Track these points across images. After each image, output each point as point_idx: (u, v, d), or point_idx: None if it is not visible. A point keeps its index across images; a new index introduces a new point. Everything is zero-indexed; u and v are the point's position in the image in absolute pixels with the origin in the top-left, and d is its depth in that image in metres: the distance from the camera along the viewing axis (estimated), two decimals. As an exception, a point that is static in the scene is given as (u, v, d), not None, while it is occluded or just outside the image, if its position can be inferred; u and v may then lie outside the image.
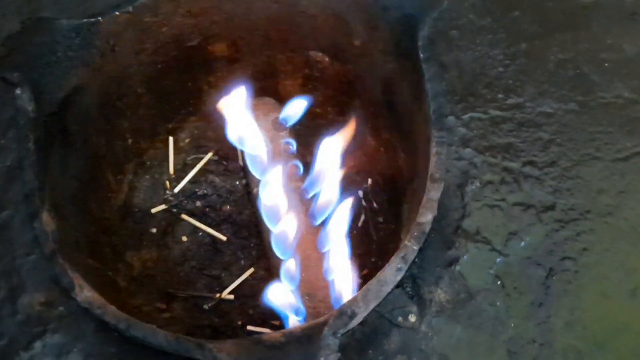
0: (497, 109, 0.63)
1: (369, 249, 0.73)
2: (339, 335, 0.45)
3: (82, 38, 0.57)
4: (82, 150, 0.63)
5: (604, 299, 0.55)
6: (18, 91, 0.52)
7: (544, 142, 0.62)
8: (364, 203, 0.79)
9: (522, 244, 0.57)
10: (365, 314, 0.51)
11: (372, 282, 0.48)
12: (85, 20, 0.56)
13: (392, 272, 0.49)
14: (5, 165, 0.58)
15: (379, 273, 0.49)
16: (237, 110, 0.67)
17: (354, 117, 0.68)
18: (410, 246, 0.50)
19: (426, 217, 0.52)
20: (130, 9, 0.59)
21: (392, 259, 0.49)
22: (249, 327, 0.68)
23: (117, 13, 0.59)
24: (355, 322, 0.51)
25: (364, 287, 0.48)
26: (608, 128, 0.63)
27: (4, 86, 0.58)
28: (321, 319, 0.47)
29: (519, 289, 0.55)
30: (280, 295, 0.60)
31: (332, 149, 0.67)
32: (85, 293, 0.48)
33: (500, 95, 0.64)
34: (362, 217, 0.78)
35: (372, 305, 0.49)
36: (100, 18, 0.57)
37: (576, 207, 0.59)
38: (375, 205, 0.79)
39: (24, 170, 0.51)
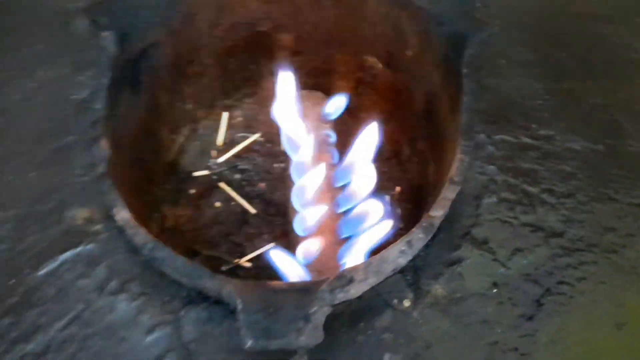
0: (527, 136, 0.67)
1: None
2: (335, 293, 0.49)
3: (168, 1, 0.65)
4: (147, 101, 0.70)
5: (591, 325, 0.57)
6: (105, 34, 0.60)
7: (566, 174, 0.65)
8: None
9: (525, 261, 0.60)
10: (364, 286, 0.55)
11: (375, 258, 0.53)
12: (174, -15, 0.64)
13: (395, 253, 0.53)
14: (80, 98, 0.65)
15: (383, 251, 0.54)
16: (287, 92, 0.73)
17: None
18: (416, 233, 0.54)
19: (437, 212, 0.56)
20: (215, -16, 0.67)
21: (398, 241, 0.54)
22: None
23: (202, -14, 0.66)
24: (353, 291, 0.55)
25: (366, 260, 0.53)
26: (630, 174, 0.65)
27: (93, 30, 0.67)
28: (322, 279, 0.51)
29: (512, 300, 0.58)
30: (289, 265, 0.65)
31: (368, 144, 0.72)
32: (123, 213, 0.54)
33: (533, 125, 0.68)
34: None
35: (371, 278, 0.53)
36: (187, -13, 0.65)
37: (584, 239, 0.62)
38: (399, 211, 0.83)
39: (95, 100, 0.58)
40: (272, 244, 0.80)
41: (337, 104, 0.77)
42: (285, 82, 0.74)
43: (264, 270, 0.78)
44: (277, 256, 0.67)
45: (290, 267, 0.66)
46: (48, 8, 0.72)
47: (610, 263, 0.61)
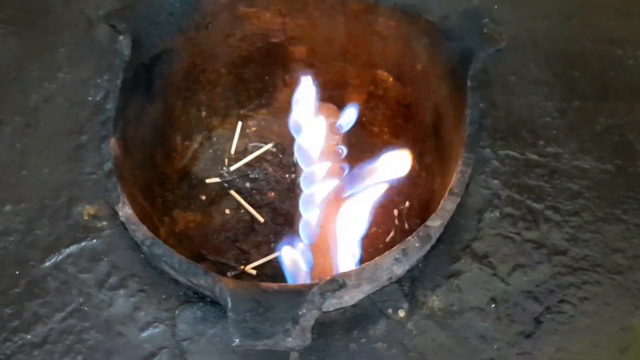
0: (535, 153, 0.66)
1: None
2: (325, 296, 0.49)
3: (183, 9, 0.67)
4: (161, 105, 0.72)
5: (593, 347, 0.56)
6: (121, 37, 0.62)
7: (572, 193, 0.64)
8: (396, 222, 0.84)
9: (526, 277, 0.59)
10: (358, 293, 0.55)
11: (369, 264, 0.53)
12: (190, -5, 0.67)
13: (389, 260, 0.53)
14: (95, 100, 0.67)
15: (377, 258, 0.54)
16: (304, 104, 0.74)
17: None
18: (412, 242, 0.54)
19: (435, 222, 0.56)
20: (230, -5, 0.69)
21: (393, 249, 0.54)
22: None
23: (218, -4, 0.68)
24: (347, 298, 0.55)
25: (360, 266, 0.53)
26: (639, 195, 0.64)
27: (111, 35, 0.70)
28: (314, 282, 0.52)
29: (511, 317, 0.57)
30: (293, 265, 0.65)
31: (396, 162, 0.72)
32: (126, 210, 0.56)
33: (541, 142, 0.67)
34: (391, 234, 0.83)
35: (364, 284, 0.53)
36: (203, -4, 0.67)
37: (588, 258, 0.60)
38: (407, 226, 0.83)
39: (107, 100, 0.60)
40: (278, 253, 0.80)
41: (349, 116, 0.78)
42: (305, 92, 0.75)
43: (269, 278, 0.79)
44: (287, 256, 0.67)
45: (296, 269, 0.67)
46: (73, 15, 0.75)
47: (616, 284, 0.59)
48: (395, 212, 0.84)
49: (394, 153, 0.70)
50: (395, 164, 0.70)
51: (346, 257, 0.67)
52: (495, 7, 0.77)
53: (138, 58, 0.63)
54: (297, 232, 0.73)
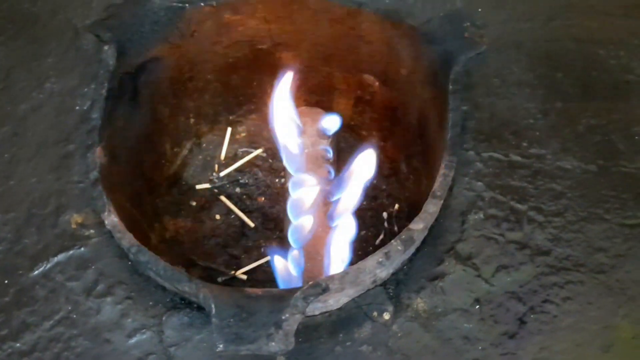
0: (518, 154, 0.67)
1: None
2: (308, 300, 0.50)
3: (168, 18, 0.67)
4: (148, 113, 0.73)
5: (576, 346, 0.57)
6: (106, 47, 0.63)
7: (556, 194, 0.65)
8: (386, 225, 0.85)
9: (509, 278, 0.60)
10: (342, 297, 0.56)
11: (352, 268, 0.54)
12: (174, 3, 0.67)
13: (372, 263, 0.54)
14: (82, 109, 0.68)
15: (360, 261, 0.54)
16: (286, 108, 0.75)
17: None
18: (395, 245, 0.55)
19: (418, 225, 0.56)
20: (214, 3, 0.69)
21: (376, 252, 0.54)
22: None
23: (202, 4, 0.69)
24: (332, 302, 0.56)
25: (343, 270, 0.54)
26: (622, 194, 0.64)
27: (96, 45, 0.70)
28: (297, 287, 0.52)
29: (495, 317, 0.58)
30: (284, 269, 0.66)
31: (366, 162, 0.73)
32: (113, 218, 0.57)
33: (524, 144, 0.68)
34: (381, 237, 0.83)
35: (348, 288, 0.54)
36: (187, 5, 0.68)
37: (571, 258, 0.61)
38: (396, 229, 0.84)
39: (93, 110, 0.61)
40: (268, 257, 0.81)
41: (334, 120, 0.79)
42: (283, 97, 0.75)
43: (260, 283, 0.79)
44: (278, 261, 0.68)
45: (287, 273, 0.67)
46: (60, 24, 0.76)
47: (598, 283, 0.60)
48: (385, 214, 0.85)
49: (363, 154, 0.71)
50: (364, 165, 0.70)
51: (336, 261, 0.68)
52: (479, 9, 0.78)
53: (123, 67, 0.64)
54: (287, 237, 0.74)
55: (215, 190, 0.86)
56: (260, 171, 0.88)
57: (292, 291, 0.51)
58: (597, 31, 0.77)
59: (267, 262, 0.80)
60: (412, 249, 0.59)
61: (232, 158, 0.89)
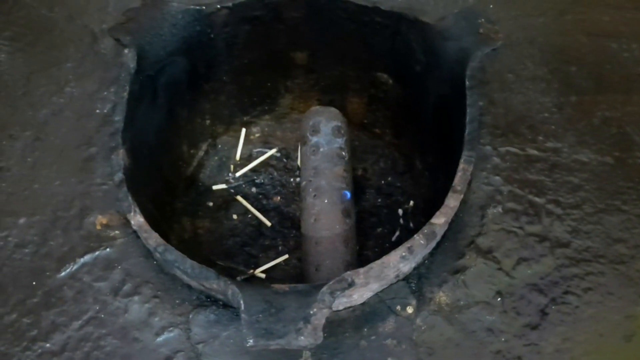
0: (534, 148, 0.68)
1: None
2: (335, 295, 0.51)
3: (186, 21, 0.68)
4: (166, 115, 0.74)
5: (598, 336, 0.57)
6: (126, 51, 0.64)
7: (573, 186, 0.65)
8: (401, 221, 0.85)
9: (530, 271, 0.60)
10: (368, 292, 0.57)
11: (377, 263, 0.54)
12: (192, 6, 0.68)
13: (396, 258, 0.54)
14: (103, 112, 0.69)
15: (385, 256, 0.55)
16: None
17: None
18: (417, 240, 0.55)
19: (439, 219, 0.57)
20: (230, 5, 0.70)
21: (400, 247, 0.55)
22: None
23: (218, 7, 0.70)
24: (356, 297, 0.57)
25: (368, 265, 0.54)
26: (639, 186, 0.65)
27: (116, 49, 0.71)
28: (324, 282, 0.53)
29: (517, 309, 0.59)
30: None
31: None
32: (138, 218, 0.57)
33: (540, 138, 0.68)
34: (397, 234, 0.84)
35: (372, 282, 0.55)
36: (204, 7, 0.69)
37: (591, 250, 0.62)
38: (411, 225, 0.84)
39: (115, 112, 0.62)
40: (285, 256, 0.82)
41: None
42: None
43: (278, 281, 0.80)
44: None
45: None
46: (77, 30, 0.77)
47: (619, 274, 0.60)
48: (400, 211, 0.85)
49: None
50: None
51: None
52: (491, 6, 0.79)
53: (143, 70, 0.65)
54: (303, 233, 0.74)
55: (232, 191, 0.87)
56: (275, 171, 0.89)
57: (318, 286, 0.52)
58: (609, 25, 0.77)
59: (285, 261, 0.81)
60: (434, 243, 0.60)
61: (247, 158, 0.89)
